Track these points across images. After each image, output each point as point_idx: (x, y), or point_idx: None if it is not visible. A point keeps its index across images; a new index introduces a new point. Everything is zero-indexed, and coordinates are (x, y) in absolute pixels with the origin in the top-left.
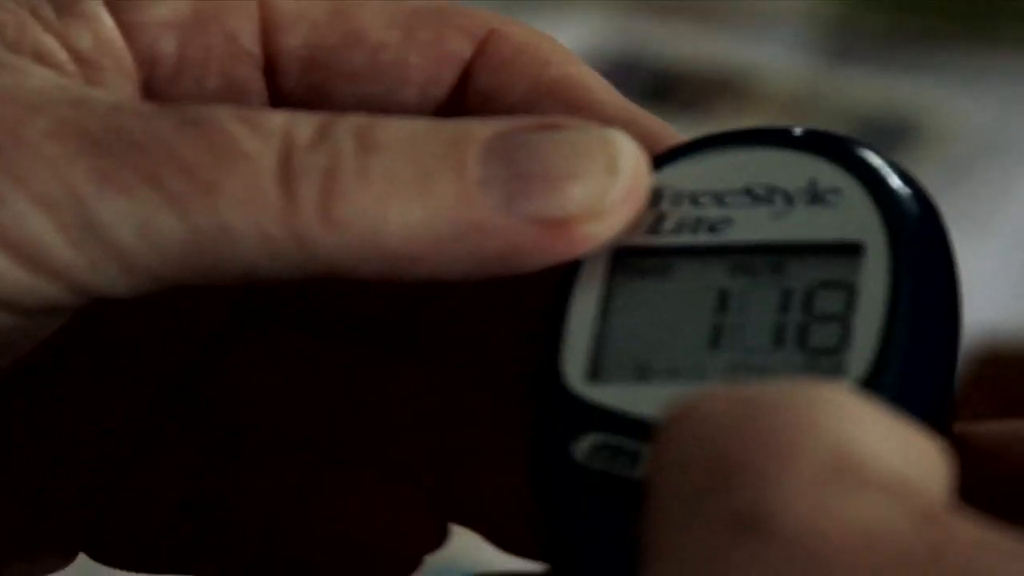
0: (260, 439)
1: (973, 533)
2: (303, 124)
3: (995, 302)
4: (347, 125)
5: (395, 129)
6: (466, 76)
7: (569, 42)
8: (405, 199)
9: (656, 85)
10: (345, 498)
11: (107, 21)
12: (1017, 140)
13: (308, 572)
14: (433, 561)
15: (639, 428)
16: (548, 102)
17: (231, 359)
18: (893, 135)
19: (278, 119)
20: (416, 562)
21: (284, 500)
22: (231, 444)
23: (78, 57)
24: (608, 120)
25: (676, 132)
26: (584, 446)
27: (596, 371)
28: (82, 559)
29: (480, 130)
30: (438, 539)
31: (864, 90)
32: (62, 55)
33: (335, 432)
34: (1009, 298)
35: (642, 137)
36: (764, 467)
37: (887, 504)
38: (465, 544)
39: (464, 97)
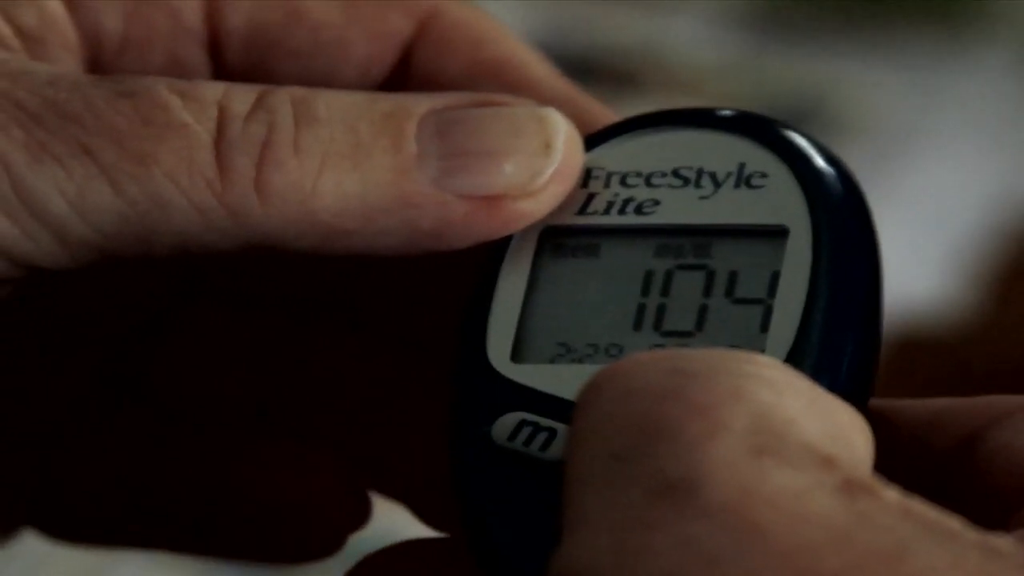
0: (194, 411)
1: (898, 502)
2: (240, 96)
3: (914, 285)
4: (284, 96)
5: (332, 101)
6: (407, 54)
7: None
8: (340, 171)
9: (578, 68)
10: (273, 471)
11: None
12: (939, 121)
13: (237, 544)
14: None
15: (559, 408)
16: (486, 80)
17: (167, 332)
18: (815, 115)
19: (215, 90)
20: (341, 538)
21: (215, 471)
22: (167, 416)
23: (22, 33)
24: (544, 98)
25: (611, 112)
26: (504, 425)
27: (520, 350)
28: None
29: (417, 105)
30: (362, 515)
31: (787, 70)
32: (6, 30)
33: (267, 403)
34: (928, 282)
35: (577, 116)
36: (691, 433)
37: (813, 474)
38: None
39: (405, 75)
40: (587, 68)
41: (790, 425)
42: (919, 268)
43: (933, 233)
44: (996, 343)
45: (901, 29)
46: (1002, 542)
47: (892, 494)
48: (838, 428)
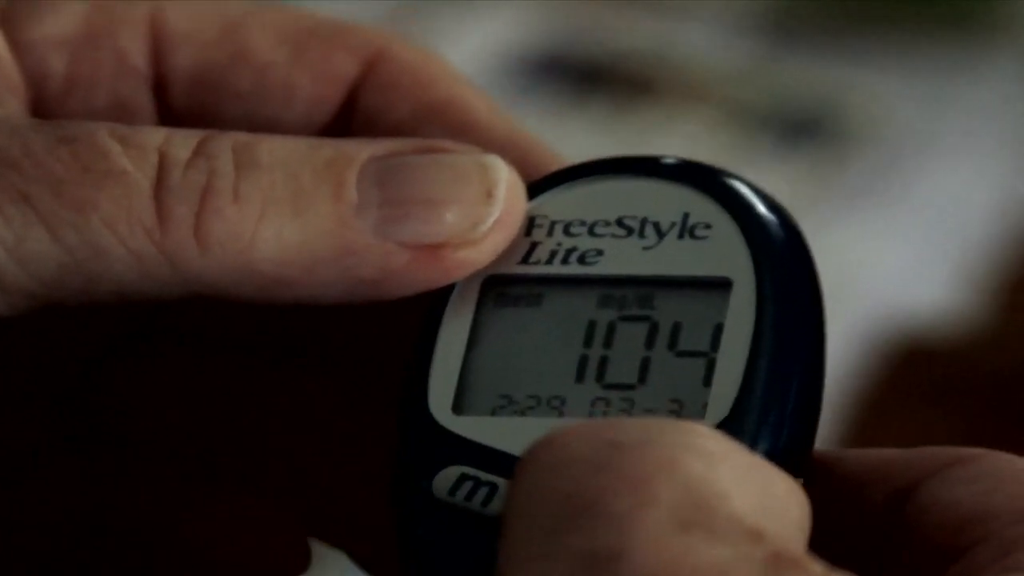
0: (143, 455)
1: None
2: (181, 141)
3: (922, 292)
4: (225, 142)
5: (275, 148)
6: (353, 96)
7: (499, 34)
8: (280, 219)
9: (590, 74)
10: (217, 515)
11: None
12: (950, 129)
13: None
14: None
15: (500, 461)
16: (433, 122)
17: (116, 375)
18: (826, 121)
19: (155, 136)
20: None
21: (162, 516)
22: (116, 460)
23: None
24: (490, 141)
25: (559, 156)
26: (445, 478)
27: (461, 402)
28: None
29: (358, 151)
30: (301, 563)
31: (799, 76)
32: None
33: (212, 447)
34: (935, 289)
35: (524, 160)
36: (620, 507)
37: (740, 548)
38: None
39: (351, 117)
40: (599, 74)
41: (721, 498)
42: (927, 275)
43: (942, 240)
44: (1004, 351)
45: (913, 36)
46: None
47: (818, 568)
48: (772, 499)
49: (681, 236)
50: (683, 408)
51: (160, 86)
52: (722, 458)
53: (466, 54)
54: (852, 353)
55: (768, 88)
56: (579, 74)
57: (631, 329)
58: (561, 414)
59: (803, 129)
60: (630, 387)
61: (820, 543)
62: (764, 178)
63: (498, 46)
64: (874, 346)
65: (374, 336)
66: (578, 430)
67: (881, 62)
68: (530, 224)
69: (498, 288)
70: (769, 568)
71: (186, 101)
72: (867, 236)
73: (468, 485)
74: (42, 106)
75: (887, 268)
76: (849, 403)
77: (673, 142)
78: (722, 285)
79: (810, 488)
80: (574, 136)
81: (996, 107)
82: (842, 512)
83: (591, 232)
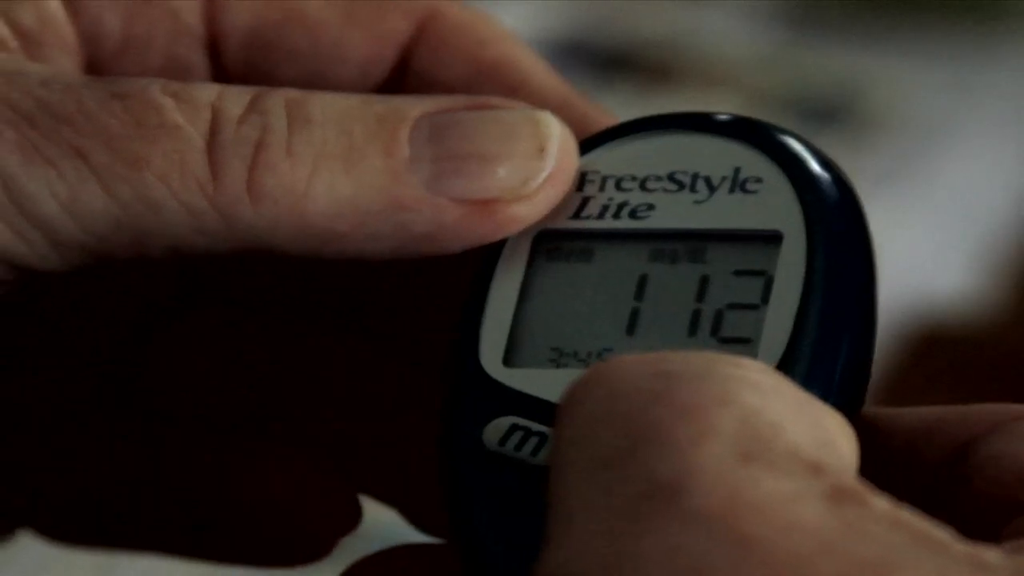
0: (189, 414)
1: (887, 511)
2: (234, 98)
3: (942, 279)
4: (278, 99)
5: (327, 104)
6: (405, 56)
7: (521, 20)
8: (332, 174)
9: (611, 61)
10: (266, 475)
11: None
12: (970, 117)
13: (231, 548)
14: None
15: (550, 412)
16: (485, 82)
17: (167, 336)
18: (847, 109)
19: (209, 92)
20: (331, 542)
21: (209, 476)
22: (162, 419)
23: (20, 33)
24: (542, 100)
25: (610, 114)
26: (496, 429)
27: (512, 355)
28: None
29: (411, 108)
30: (352, 518)
31: (820, 64)
32: (4, 31)
33: (261, 407)
34: (955, 275)
35: (575, 119)
36: (678, 436)
37: (800, 481)
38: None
39: (403, 76)
40: (621, 62)
41: (777, 430)
42: (946, 261)
43: (961, 226)
44: (1021, 337)
45: (934, 25)
46: (991, 555)
47: (881, 502)
48: (825, 434)
49: (732, 190)
50: None
51: (214, 45)
52: (775, 391)
53: None
54: None
55: (789, 75)
56: (601, 61)
57: (682, 282)
58: None
59: (823, 116)
60: (680, 340)
61: None
62: None
63: (521, 33)
64: (893, 331)
65: (424, 294)
66: (628, 361)
67: (901, 49)
68: (582, 180)
69: (550, 243)
70: (832, 501)
71: (240, 60)
72: (887, 222)
73: (518, 435)
74: (97, 65)
75: (906, 254)
76: (868, 387)
77: None
78: (773, 238)
79: (864, 446)
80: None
81: (1016, 94)
82: (897, 470)
83: (642, 187)
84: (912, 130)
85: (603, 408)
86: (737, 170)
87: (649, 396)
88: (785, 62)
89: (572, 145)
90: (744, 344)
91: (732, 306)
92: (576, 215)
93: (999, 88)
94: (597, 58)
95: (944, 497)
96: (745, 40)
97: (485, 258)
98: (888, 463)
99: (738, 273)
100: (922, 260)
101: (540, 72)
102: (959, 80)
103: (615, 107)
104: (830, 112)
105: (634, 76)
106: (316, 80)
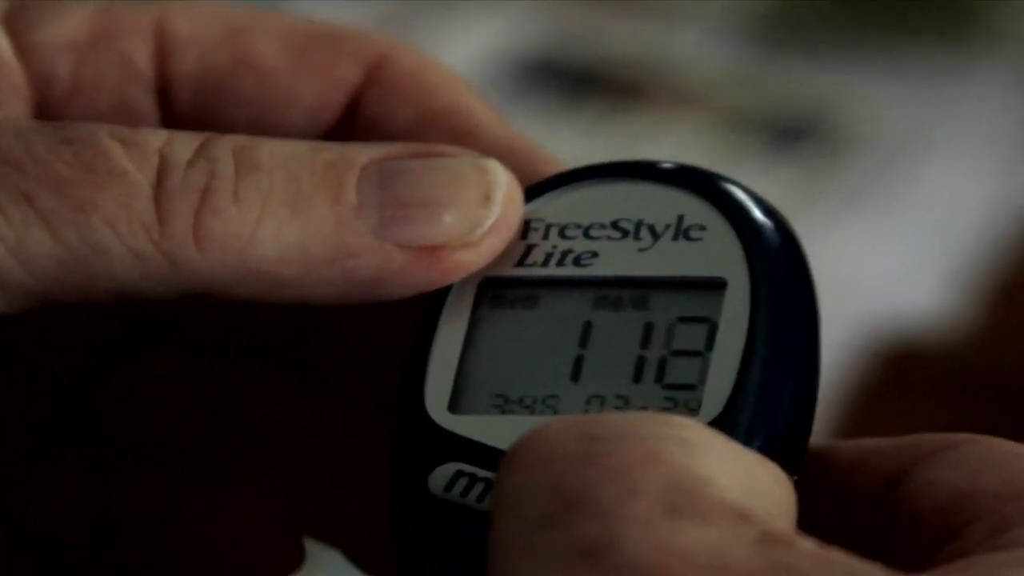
0: (141, 455)
1: (814, 550)
2: (182, 143)
3: (914, 296)
4: (226, 145)
5: (275, 150)
6: (355, 101)
7: (490, 39)
8: (279, 220)
9: (580, 81)
10: (212, 514)
11: (2, 42)
12: (941, 134)
13: None
14: None
15: (495, 458)
16: (434, 128)
17: (116, 377)
18: (818, 126)
19: (157, 137)
20: None
21: (159, 515)
22: (115, 460)
23: None
24: (489, 148)
25: (557, 160)
26: (442, 475)
27: (457, 401)
28: None
29: (358, 155)
30: (298, 559)
31: (791, 82)
32: None
33: (209, 448)
34: (926, 293)
35: (522, 166)
36: (607, 497)
37: (728, 529)
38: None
39: (353, 122)
40: (591, 80)
41: (705, 483)
42: (918, 279)
43: (933, 243)
44: (995, 353)
45: (905, 41)
46: None
47: (809, 545)
48: (757, 483)
49: (676, 238)
50: (677, 406)
51: (164, 91)
52: (704, 446)
53: (458, 59)
54: (844, 355)
55: (759, 93)
56: (571, 79)
57: (626, 329)
58: (556, 412)
59: (794, 134)
60: (624, 387)
61: (813, 532)
62: (755, 182)
63: (490, 51)
64: (866, 348)
65: (370, 339)
66: (560, 425)
67: (872, 67)
68: (526, 227)
69: (494, 290)
70: (760, 546)
71: (190, 106)
72: (858, 240)
73: (464, 481)
74: (47, 109)
75: (878, 271)
76: (840, 404)
77: (665, 147)
78: (717, 285)
79: (806, 484)
80: (565, 141)
81: (987, 111)
82: (835, 501)
83: (586, 235)
84: (884, 148)
85: (535, 474)
86: (681, 217)
87: (577, 459)
88: (756, 80)
89: (517, 193)
90: (688, 390)
91: (676, 353)
92: (521, 262)
93: (970, 105)
94: (567, 77)
95: (879, 525)
96: (716, 59)
97: (431, 304)
98: (827, 494)
99: (682, 320)
100: (894, 277)
101: (488, 119)
102: (930, 98)
103: (585, 125)
104: (802, 130)
105: (604, 95)
106: (265, 125)
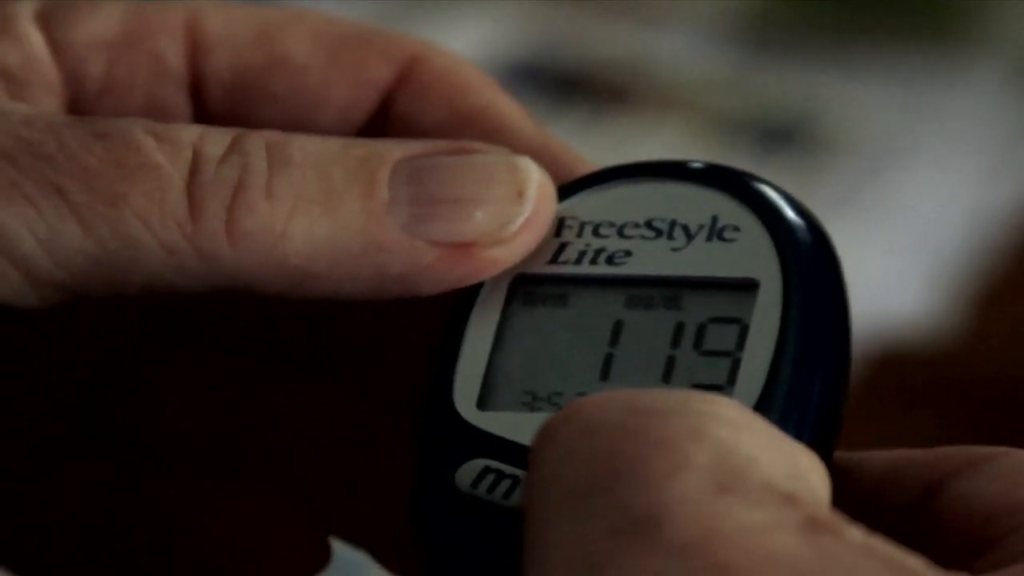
0: (164, 454)
1: (861, 541)
2: (215, 138)
3: (898, 300)
4: (258, 140)
5: (307, 146)
6: (387, 101)
7: (475, 42)
8: (311, 215)
9: (565, 84)
10: (236, 515)
11: (37, 39)
12: (926, 138)
13: None
14: None
15: (523, 455)
16: (465, 128)
17: (140, 375)
18: (803, 130)
19: (190, 132)
20: None
21: (182, 515)
22: (137, 459)
23: (4, 72)
24: (522, 147)
25: (588, 161)
26: (468, 471)
27: (486, 398)
28: None
29: (390, 151)
30: (321, 560)
31: (776, 86)
32: None
33: (235, 447)
34: (912, 297)
35: (554, 165)
36: (654, 469)
37: (775, 512)
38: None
39: (384, 121)
40: (575, 84)
41: (751, 463)
42: (903, 284)
43: (918, 249)
44: (979, 359)
45: (891, 46)
46: None
47: (855, 532)
48: (798, 468)
49: (709, 238)
50: None
51: (196, 89)
52: (748, 427)
53: None
54: None
55: (745, 96)
56: (556, 82)
57: (657, 329)
58: None
59: (780, 138)
60: (655, 385)
61: None
62: None
63: (476, 53)
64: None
65: (396, 338)
66: (604, 397)
67: (858, 71)
68: (560, 225)
69: (526, 287)
70: (806, 530)
71: (222, 104)
72: (843, 245)
73: (491, 477)
74: (79, 106)
75: (864, 276)
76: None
77: (651, 149)
78: (749, 286)
79: (834, 490)
80: None
81: (973, 116)
82: (868, 513)
83: (620, 233)
84: (869, 152)
85: (578, 444)
86: (715, 218)
87: (623, 432)
88: (741, 84)
89: (550, 190)
90: (718, 391)
91: (707, 353)
92: (553, 260)
93: (955, 110)
94: (552, 80)
95: (912, 538)
96: (701, 62)
97: (461, 301)
98: (857, 506)
99: (713, 320)
100: (879, 282)
101: (521, 119)
102: (915, 102)
103: (570, 130)
104: (786, 134)
105: (589, 99)
106: (297, 124)
